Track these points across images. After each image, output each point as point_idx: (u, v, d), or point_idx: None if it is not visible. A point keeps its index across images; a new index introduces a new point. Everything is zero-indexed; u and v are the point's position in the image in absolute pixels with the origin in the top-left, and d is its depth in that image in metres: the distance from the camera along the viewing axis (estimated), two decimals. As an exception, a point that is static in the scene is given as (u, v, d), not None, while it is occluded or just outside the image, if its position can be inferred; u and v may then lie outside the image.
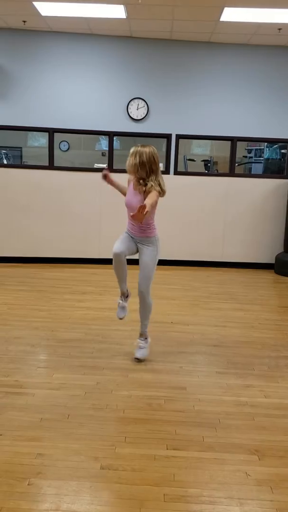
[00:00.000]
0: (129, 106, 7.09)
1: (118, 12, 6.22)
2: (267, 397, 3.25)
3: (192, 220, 7.36)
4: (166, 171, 7.18)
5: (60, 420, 2.86)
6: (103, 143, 10.67)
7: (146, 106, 7.08)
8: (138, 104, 7.10)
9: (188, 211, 7.32)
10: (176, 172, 7.23)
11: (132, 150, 3.45)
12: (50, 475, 2.35)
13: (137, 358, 3.75)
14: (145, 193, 3.43)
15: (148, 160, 3.39)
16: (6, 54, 7.00)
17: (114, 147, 7.27)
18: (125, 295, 3.89)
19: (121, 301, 3.87)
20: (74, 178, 7.20)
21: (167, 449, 2.59)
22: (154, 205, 3.42)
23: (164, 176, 4.04)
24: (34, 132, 9.82)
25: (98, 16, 6.45)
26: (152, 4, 5.85)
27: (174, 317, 4.91)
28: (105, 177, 3.69)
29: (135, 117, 7.11)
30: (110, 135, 7.21)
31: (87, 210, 7.25)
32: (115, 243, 3.60)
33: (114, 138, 7.33)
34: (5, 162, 8.85)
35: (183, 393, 3.26)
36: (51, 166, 7.16)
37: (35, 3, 6.03)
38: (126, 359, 3.79)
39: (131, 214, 3.20)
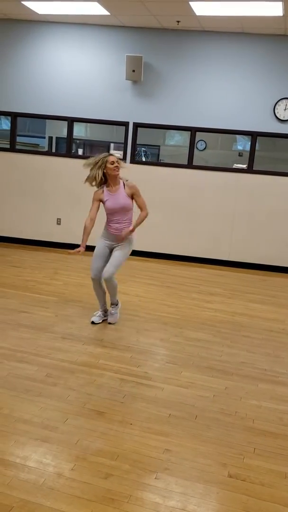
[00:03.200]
0: (277, 106, 6.82)
1: (274, 9, 6.00)
2: None
3: None
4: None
5: (188, 419, 2.84)
6: (241, 143, 10.46)
7: (294, 106, 6.76)
8: (286, 104, 6.80)
9: None
10: None
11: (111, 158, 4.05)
12: (177, 473, 2.34)
13: (110, 323, 4.27)
14: (128, 188, 4.05)
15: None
16: (157, 54, 7.17)
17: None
18: (105, 311, 4.36)
19: (100, 312, 4.35)
20: (211, 178, 7.16)
21: (300, 470, 2.44)
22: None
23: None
24: (171, 131, 9.99)
25: (252, 15, 6.30)
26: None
27: (307, 330, 4.62)
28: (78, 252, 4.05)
29: (282, 118, 6.82)
30: (253, 135, 7.02)
31: (220, 210, 7.17)
32: (91, 264, 4.13)
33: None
34: (143, 159, 9.13)
35: None
36: (190, 164, 7.20)
37: (191, 3, 6.08)
38: (256, 368, 3.65)
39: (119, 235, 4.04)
